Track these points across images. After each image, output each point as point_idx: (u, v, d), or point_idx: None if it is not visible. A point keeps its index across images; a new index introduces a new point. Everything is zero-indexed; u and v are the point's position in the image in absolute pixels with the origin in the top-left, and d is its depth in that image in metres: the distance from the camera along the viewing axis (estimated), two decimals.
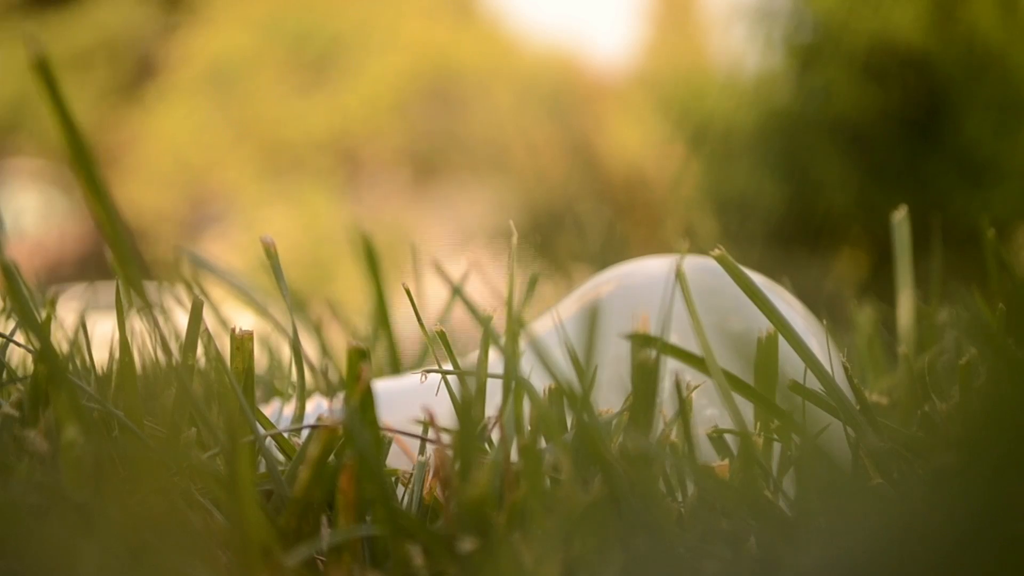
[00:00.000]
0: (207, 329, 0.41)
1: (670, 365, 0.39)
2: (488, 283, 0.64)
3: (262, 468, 0.37)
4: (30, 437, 0.36)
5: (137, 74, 6.36)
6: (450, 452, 0.34)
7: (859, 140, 2.29)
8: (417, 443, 0.40)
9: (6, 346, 0.45)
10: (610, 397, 0.42)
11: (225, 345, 0.41)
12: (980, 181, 2.20)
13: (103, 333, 0.45)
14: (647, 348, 0.36)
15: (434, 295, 0.66)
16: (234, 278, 0.70)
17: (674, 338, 0.41)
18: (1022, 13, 2.28)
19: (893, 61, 2.30)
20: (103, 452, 0.34)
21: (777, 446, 0.39)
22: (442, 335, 0.43)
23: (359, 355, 0.35)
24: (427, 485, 0.37)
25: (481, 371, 0.38)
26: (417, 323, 0.45)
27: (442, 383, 0.41)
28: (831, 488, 0.33)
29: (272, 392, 0.59)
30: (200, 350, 0.41)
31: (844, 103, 2.30)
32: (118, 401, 0.40)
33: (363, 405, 0.35)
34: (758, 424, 0.40)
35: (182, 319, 0.41)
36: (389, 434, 0.39)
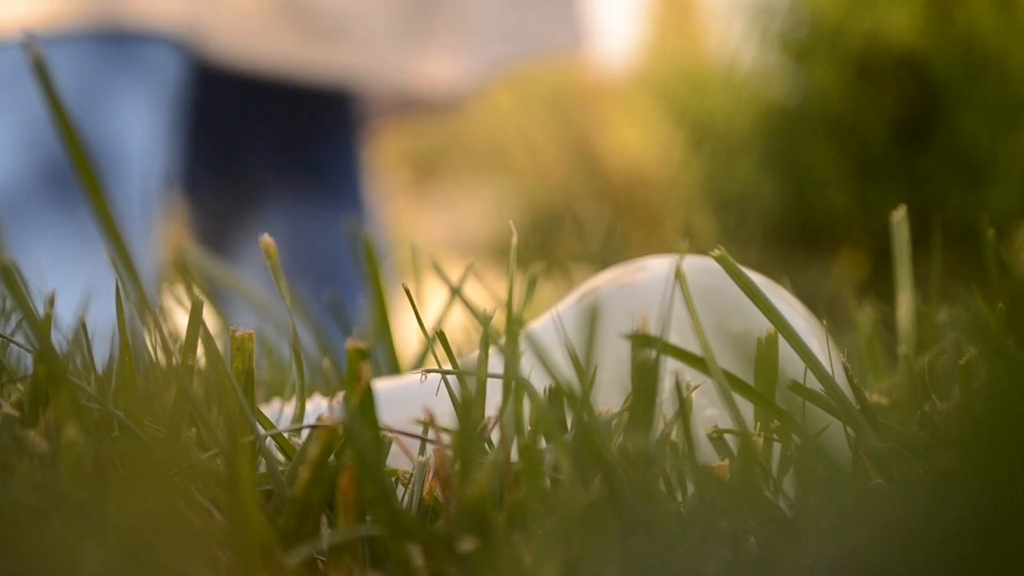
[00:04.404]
0: (207, 329, 0.41)
1: (670, 365, 0.39)
2: (487, 283, 0.64)
3: (262, 468, 0.37)
4: (30, 437, 0.36)
5: None
6: (450, 452, 0.34)
7: (855, 139, 2.29)
8: (417, 443, 0.40)
9: (6, 346, 0.45)
10: (610, 397, 0.42)
11: (225, 345, 0.41)
12: (977, 180, 2.20)
13: (104, 333, 0.45)
14: (647, 348, 0.36)
15: (434, 295, 0.66)
16: (234, 278, 0.70)
17: (674, 338, 0.41)
18: (1020, 13, 2.28)
19: (888, 60, 2.30)
20: (103, 452, 0.34)
21: (777, 446, 0.39)
22: (441, 335, 0.43)
23: (359, 355, 0.35)
24: (427, 485, 0.37)
25: (481, 371, 0.38)
26: (417, 323, 0.45)
27: (442, 383, 0.41)
28: (831, 488, 0.33)
29: (272, 392, 0.59)
30: (200, 350, 0.41)
31: (839, 101, 2.30)
32: (118, 401, 0.40)
33: (363, 405, 0.35)
34: (758, 424, 0.40)
35: (182, 319, 0.41)
36: (389, 434, 0.39)
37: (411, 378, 0.47)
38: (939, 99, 2.26)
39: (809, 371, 0.39)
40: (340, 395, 0.45)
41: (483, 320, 0.41)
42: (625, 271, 0.49)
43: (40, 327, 0.37)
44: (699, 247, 0.46)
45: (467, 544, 0.32)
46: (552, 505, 0.32)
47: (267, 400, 0.52)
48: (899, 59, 2.28)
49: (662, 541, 0.32)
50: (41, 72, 0.31)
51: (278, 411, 0.46)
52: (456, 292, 0.56)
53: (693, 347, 0.39)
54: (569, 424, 0.37)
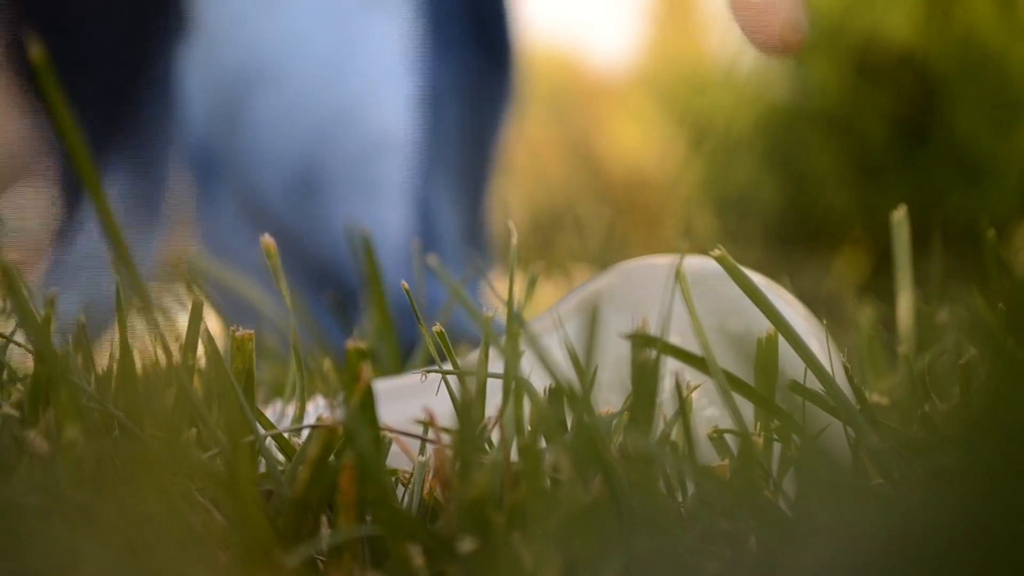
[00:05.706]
0: (207, 329, 0.41)
1: (670, 365, 0.39)
2: (488, 283, 0.64)
3: (262, 468, 0.37)
4: (30, 437, 0.36)
5: None
6: (450, 452, 0.34)
7: (855, 138, 2.29)
8: (417, 443, 0.40)
9: (6, 346, 0.45)
10: (610, 397, 0.42)
11: (225, 345, 0.41)
12: (977, 179, 2.20)
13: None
14: (647, 348, 0.36)
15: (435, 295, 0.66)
16: (234, 278, 0.70)
17: (674, 338, 0.41)
18: (1019, 13, 2.28)
19: (888, 59, 2.30)
20: (103, 452, 0.34)
21: (777, 446, 0.39)
22: (442, 335, 0.43)
23: (359, 355, 0.35)
24: (427, 485, 0.37)
25: (481, 371, 0.38)
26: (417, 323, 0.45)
27: (442, 383, 0.41)
28: (831, 488, 0.33)
29: (272, 392, 0.59)
30: (200, 350, 0.41)
31: (839, 101, 2.30)
32: (118, 401, 0.40)
33: (363, 405, 0.35)
34: (758, 424, 0.40)
35: (182, 319, 0.41)
36: (389, 434, 0.39)
37: (411, 378, 0.47)
38: (939, 98, 2.26)
39: (809, 371, 0.39)
40: (340, 395, 0.45)
41: (483, 320, 0.41)
42: (625, 271, 0.49)
43: (40, 327, 0.37)
44: (699, 247, 0.46)
45: (467, 544, 0.32)
46: (552, 505, 0.32)
47: (267, 400, 0.52)
48: (899, 58, 2.28)
49: (662, 541, 0.32)
50: (44, 74, 0.31)
51: (278, 411, 0.46)
52: (456, 292, 0.56)
53: (693, 347, 0.39)
54: (569, 424, 0.37)
